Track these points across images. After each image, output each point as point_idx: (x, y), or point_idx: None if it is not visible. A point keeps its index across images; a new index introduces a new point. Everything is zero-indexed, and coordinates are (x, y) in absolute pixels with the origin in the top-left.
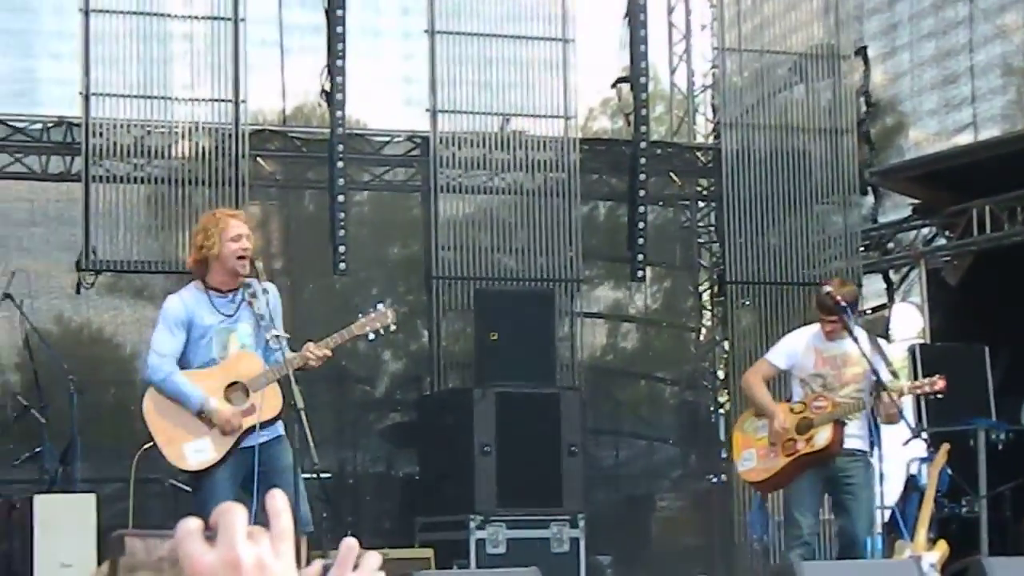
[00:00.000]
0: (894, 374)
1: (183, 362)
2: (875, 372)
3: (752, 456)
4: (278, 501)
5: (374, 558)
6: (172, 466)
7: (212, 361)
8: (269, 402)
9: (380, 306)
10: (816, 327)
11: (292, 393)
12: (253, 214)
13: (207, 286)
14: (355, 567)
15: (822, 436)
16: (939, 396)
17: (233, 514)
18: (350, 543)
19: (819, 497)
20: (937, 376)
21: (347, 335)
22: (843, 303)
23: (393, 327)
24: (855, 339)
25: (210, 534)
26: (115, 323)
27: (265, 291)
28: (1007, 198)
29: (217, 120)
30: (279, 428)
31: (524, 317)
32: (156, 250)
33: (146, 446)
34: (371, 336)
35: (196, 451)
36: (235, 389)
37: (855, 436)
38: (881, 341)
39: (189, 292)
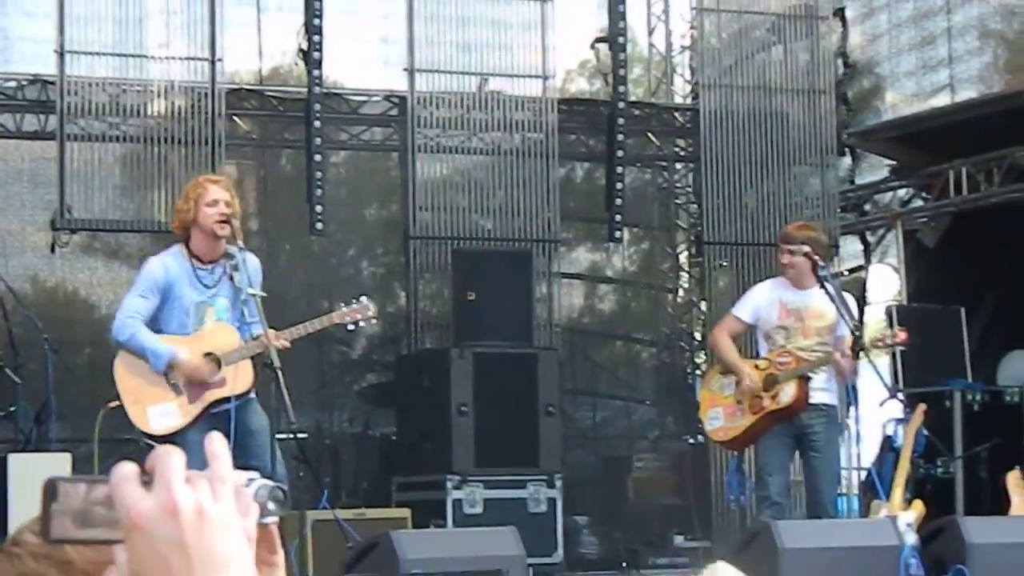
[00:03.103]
0: (856, 332)
1: (156, 328)
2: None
3: (719, 415)
4: (215, 444)
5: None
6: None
7: (185, 331)
8: (241, 377)
9: (363, 299)
10: (780, 279)
11: (270, 353)
12: (229, 174)
13: (191, 253)
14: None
15: (787, 393)
16: (902, 348)
17: (170, 458)
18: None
19: (788, 455)
20: (898, 328)
21: (327, 322)
22: (821, 263)
23: (374, 320)
24: (824, 286)
25: (147, 479)
26: (90, 283)
27: (243, 253)
28: (984, 159)
29: (193, 79)
30: (250, 393)
31: (501, 278)
32: (131, 209)
33: (111, 404)
34: (350, 327)
35: (161, 415)
36: (209, 360)
37: (821, 390)
38: (847, 295)
39: (172, 258)
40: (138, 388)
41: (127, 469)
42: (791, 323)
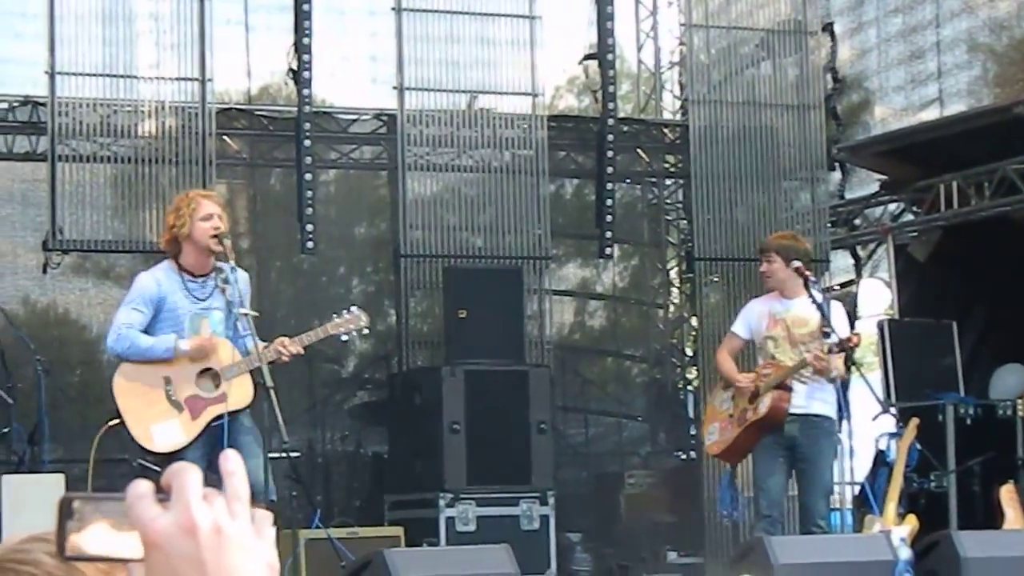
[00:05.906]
0: (826, 334)
1: None
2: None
3: (715, 430)
4: (231, 462)
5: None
6: (139, 446)
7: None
8: (239, 393)
9: (354, 309)
10: (773, 292)
11: (261, 372)
12: (220, 193)
13: (180, 267)
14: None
15: (764, 402)
16: (852, 347)
17: (187, 475)
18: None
19: (780, 466)
20: (852, 333)
21: (321, 334)
22: (811, 278)
23: (366, 331)
24: (810, 293)
25: (162, 496)
26: (81, 303)
27: (234, 271)
28: (974, 173)
29: (183, 99)
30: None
31: (492, 295)
32: (122, 230)
33: (112, 423)
34: (344, 338)
35: (164, 433)
36: (206, 376)
37: (810, 399)
38: (835, 304)
39: (163, 272)
40: (140, 407)
41: (143, 487)
42: (778, 333)
